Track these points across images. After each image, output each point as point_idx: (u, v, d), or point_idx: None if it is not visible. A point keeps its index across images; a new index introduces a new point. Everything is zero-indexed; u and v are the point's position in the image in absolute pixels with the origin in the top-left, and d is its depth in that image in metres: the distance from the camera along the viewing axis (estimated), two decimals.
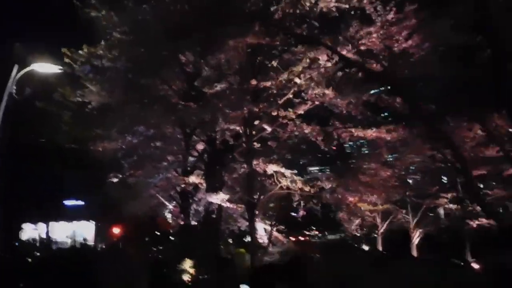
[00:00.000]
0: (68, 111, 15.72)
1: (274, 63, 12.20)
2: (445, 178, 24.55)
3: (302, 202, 24.92)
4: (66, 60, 13.07)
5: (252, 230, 13.19)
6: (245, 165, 13.50)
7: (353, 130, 12.56)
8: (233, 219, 14.50)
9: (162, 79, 12.65)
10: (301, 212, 25.16)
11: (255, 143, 13.35)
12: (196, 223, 17.12)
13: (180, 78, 12.89)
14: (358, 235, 39.95)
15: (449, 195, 23.07)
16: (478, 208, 22.09)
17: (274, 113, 12.98)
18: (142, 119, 12.56)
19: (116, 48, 12.33)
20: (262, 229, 14.29)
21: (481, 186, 21.38)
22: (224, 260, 13.78)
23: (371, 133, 12.49)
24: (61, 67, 11.96)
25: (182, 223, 16.27)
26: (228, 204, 13.42)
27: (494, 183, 21.28)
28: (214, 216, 13.01)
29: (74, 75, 13.78)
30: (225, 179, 13.43)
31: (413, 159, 18.23)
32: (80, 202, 30.20)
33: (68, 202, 31.03)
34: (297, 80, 11.87)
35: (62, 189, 26.28)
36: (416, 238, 26.80)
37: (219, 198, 12.63)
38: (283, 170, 13.79)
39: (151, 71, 12.10)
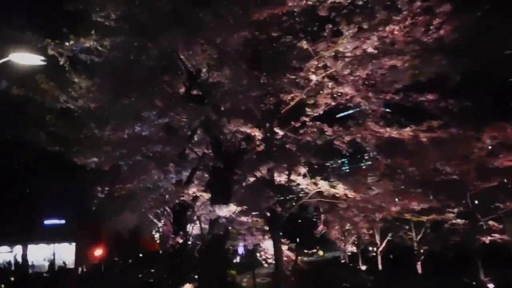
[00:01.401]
0: (50, 112, 13.96)
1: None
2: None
3: (322, 214, 23.13)
4: (51, 52, 11.39)
5: (277, 249, 11.50)
6: (263, 171, 11.99)
7: (387, 129, 11.11)
8: (236, 236, 12.83)
9: (161, 72, 11.02)
10: (321, 227, 23.41)
11: (272, 146, 11.80)
12: (190, 243, 15.30)
13: (181, 73, 11.29)
14: (354, 252, 38.65)
15: (455, 210, 21.72)
16: (491, 222, 20.96)
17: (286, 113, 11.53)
18: (136, 119, 10.89)
19: (109, 37, 10.76)
20: (271, 246, 12.66)
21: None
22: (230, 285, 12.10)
23: (408, 132, 11.10)
24: (44, 59, 10.31)
25: (177, 242, 14.48)
26: (242, 218, 11.80)
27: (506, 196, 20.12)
28: (221, 232, 11.28)
29: (59, 68, 12.05)
30: (234, 188, 11.81)
31: (414, 172, 16.88)
32: (60, 221, 27.95)
33: (47, 222, 28.77)
34: (313, 77, 10.47)
35: (41, 207, 24.13)
36: (420, 256, 25.40)
37: (231, 211, 11.02)
38: (303, 177, 12.45)
39: (148, 65, 10.51)
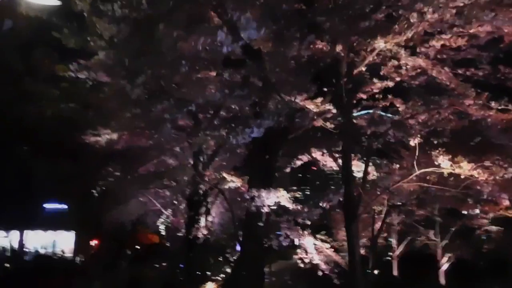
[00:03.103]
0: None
1: None
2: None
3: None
4: None
5: (353, 245, 9.65)
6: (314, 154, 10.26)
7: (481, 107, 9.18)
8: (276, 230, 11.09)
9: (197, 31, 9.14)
10: None
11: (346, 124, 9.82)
12: (203, 235, 13.58)
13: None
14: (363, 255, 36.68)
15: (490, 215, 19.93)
16: None
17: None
18: (164, 83, 9.08)
19: None
20: (311, 244, 10.99)
21: None
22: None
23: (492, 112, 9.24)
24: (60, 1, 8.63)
25: (196, 235, 12.79)
26: (295, 206, 10.10)
27: None
28: (261, 224, 9.57)
29: (75, 14, 10.22)
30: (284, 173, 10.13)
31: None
32: (63, 206, 26.15)
33: (48, 206, 27.00)
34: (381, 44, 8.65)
35: (41, 190, 22.35)
36: (444, 264, 23.57)
37: (281, 197, 9.35)
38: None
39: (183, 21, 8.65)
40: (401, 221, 27.22)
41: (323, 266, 11.17)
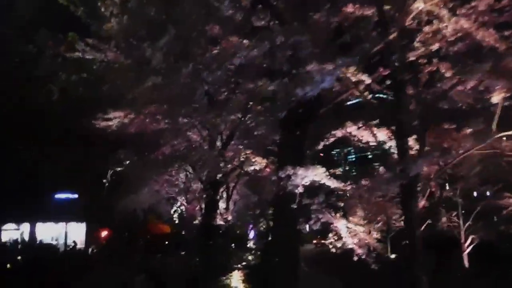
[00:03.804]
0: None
1: None
2: None
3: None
4: None
5: (413, 226, 8.86)
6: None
7: None
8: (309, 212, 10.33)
9: None
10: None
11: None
12: (225, 221, 12.91)
13: None
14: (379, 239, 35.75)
15: None
16: None
17: None
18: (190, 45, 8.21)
19: None
20: (344, 227, 10.25)
21: None
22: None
23: None
24: None
25: (213, 222, 12.11)
26: (338, 184, 9.31)
27: None
28: (294, 206, 8.81)
29: None
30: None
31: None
32: (73, 196, 25.54)
33: (58, 196, 26.38)
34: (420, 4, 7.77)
35: (51, 180, 21.70)
36: (467, 247, 22.71)
37: (319, 175, 8.59)
38: None
39: None
40: (422, 205, 26.45)
41: (359, 250, 10.42)
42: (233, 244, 19.76)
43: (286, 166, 8.42)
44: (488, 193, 22.14)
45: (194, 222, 18.74)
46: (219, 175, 12.47)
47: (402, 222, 28.29)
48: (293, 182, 8.45)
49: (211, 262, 12.38)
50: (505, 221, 20.50)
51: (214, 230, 12.71)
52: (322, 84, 7.27)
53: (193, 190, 17.11)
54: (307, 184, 8.70)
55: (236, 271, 11.29)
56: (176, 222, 24.67)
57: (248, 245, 29.63)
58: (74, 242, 28.18)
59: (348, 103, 11.14)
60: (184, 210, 20.86)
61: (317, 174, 8.68)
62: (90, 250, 27.61)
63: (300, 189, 8.67)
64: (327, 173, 8.99)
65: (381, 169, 11.51)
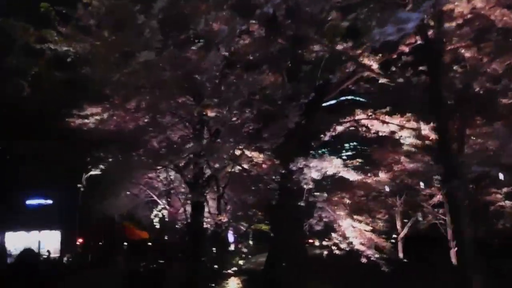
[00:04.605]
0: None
1: None
2: None
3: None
4: None
5: (460, 222, 8.08)
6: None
7: None
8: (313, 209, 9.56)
9: None
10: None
11: None
12: (219, 223, 12.08)
13: None
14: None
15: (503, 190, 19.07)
16: None
17: None
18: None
19: None
20: (349, 227, 9.57)
21: None
22: None
23: None
24: None
25: (220, 220, 11.24)
26: (356, 176, 8.56)
27: None
28: (302, 204, 8.04)
29: None
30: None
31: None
32: (47, 201, 23.94)
33: (30, 202, 24.69)
34: None
35: (23, 185, 20.22)
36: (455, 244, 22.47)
37: (335, 166, 7.86)
38: None
39: None
40: (402, 202, 26.32)
41: (368, 251, 9.75)
42: (214, 249, 18.94)
43: (297, 158, 7.68)
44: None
45: (177, 226, 17.76)
46: (208, 174, 11.63)
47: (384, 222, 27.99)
48: (305, 175, 7.70)
49: (202, 269, 11.48)
50: (494, 217, 20.42)
51: (202, 234, 11.82)
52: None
53: (176, 192, 16.14)
54: (319, 177, 7.99)
55: (233, 277, 10.43)
56: (157, 226, 23.53)
57: (229, 248, 28.74)
58: (48, 251, 26.66)
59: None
60: (165, 214, 19.80)
61: (333, 166, 7.97)
62: (65, 259, 26.16)
63: (310, 184, 7.94)
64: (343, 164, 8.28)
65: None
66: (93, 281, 14.07)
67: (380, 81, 8.74)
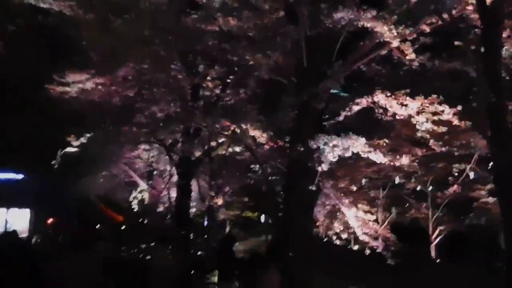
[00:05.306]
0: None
1: None
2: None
3: None
4: None
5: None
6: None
7: None
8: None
9: None
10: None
11: None
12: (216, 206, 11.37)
13: None
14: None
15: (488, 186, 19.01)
16: None
17: None
18: None
19: None
20: (353, 216, 9.03)
21: None
22: None
23: None
24: None
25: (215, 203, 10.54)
26: (383, 158, 7.88)
27: None
28: (313, 188, 7.39)
29: None
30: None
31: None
32: (17, 176, 22.43)
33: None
34: None
35: None
36: (436, 238, 22.58)
37: (359, 145, 7.23)
38: None
39: None
40: (385, 195, 26.19)
41: (373, 243, 9.27)
42: (191, 234, 18.25)
43: (319, 135, 7.01)
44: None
45: (158, 210, 16.96)
46: (199, 153, 10.87)
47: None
48: (322, 156, 7.03)
49: (194, 258, 10.76)
50: (475, 211, 20.47)
51: (189, 218, 11.08)
52: None
53: (160, 173, 15.32)
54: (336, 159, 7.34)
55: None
56: (135, 209, 22.56)
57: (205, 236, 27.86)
58: (13, 231, 25.32)
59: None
60: (146, 196, 18.91)
61: (356, 145, 7.33)
62: (33, 240, 24.88)
63: (324, 166, 7.28)
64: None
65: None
66: (70, 268, 13.04)
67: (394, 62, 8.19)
